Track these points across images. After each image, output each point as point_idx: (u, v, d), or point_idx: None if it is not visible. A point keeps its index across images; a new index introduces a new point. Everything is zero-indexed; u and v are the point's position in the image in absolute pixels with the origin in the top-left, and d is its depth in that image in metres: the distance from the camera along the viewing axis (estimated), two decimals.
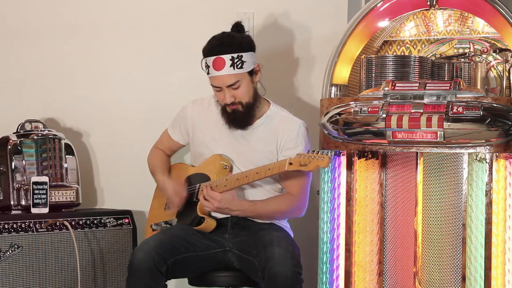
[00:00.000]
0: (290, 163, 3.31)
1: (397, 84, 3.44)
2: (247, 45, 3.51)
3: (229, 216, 3.55)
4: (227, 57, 3.45)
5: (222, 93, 3.50)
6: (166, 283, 3.42)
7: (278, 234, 3.44)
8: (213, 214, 3.57)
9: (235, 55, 3.45)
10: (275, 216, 3.57)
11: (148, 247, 3.37)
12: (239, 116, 3.53)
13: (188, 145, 3.82)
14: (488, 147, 3.27)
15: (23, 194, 3.78)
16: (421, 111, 3.34)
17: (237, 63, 3.45)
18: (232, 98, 3.49)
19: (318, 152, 3.29)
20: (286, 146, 3.55)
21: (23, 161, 3.81)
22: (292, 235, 3.59)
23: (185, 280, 3.59)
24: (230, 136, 3.58)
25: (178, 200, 3.59)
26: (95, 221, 3.82)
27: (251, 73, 3.52)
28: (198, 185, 3.59)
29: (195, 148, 3.69)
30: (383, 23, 3.72)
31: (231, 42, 3.48)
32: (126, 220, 3.91)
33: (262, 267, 3.30)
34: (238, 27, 3.57)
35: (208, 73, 3.50)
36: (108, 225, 3.86)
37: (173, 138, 3.78)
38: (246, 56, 3.47)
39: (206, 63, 3.50)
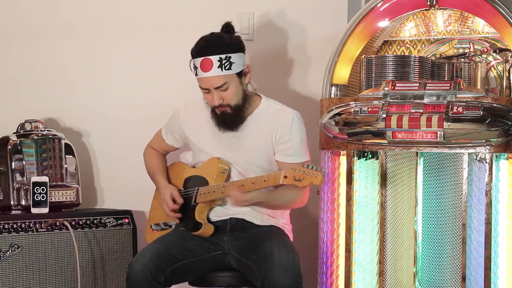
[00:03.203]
0: (285, 177, 3.28)
1: (397, 84, 3.44)
2: (236, 46, 3.44)
3: (227, 218, 3.54)
4: (214, 58, 3.39)
5: (210, 95, 3.44)
6: None
7: (278, 241, 3.40)
8: (211, 217, 3.56)
9: (223, 56, 3.39)
10: (284, 207, 3.55)
11: (144, 258, 3.34)
12: (228, 118, 3.47)
13: (183, 146, 3.81)
14: (488, 147, 3.28)
15: (23, 194, 3.77)
16: (421, 111, 3.34)
17: (225, 64, 3.39)
18: (220, 100, 3.43)
19: (313, 167, 3.24)
20: (281, 140, 3.50)
21: (23, 161, 3.81)
22: (291, 236, 3.58)
23: None
24: (224, 137, 3.54)
25: (171, 208, 3.58)
26: (95, 221, 3.82)
27: (240, 74, 3.45)
28: (196, 188, 3.58)
29: (193, 151, 3.69)
30: (383, 23, 3.73)
31: (219, 42, 3.41)
32: (126, 220, 3.91)
33: (262, 276, 3.27)
34: (228, 27, 3.50)
35: (196, 75, 3.45)
36: (108, 225, 3.85)
37: (167, 142, 3.76)
38: (234, 57, 3.41)
39: (194, 64, 3.44)
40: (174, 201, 3.57)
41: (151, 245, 3.48)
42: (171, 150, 3.82)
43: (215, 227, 3.53)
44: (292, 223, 3.66)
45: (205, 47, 3.41)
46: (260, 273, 3.28)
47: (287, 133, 3.49)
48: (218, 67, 3.39)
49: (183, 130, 3.67)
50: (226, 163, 3.54)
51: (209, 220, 3.54)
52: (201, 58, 3.41)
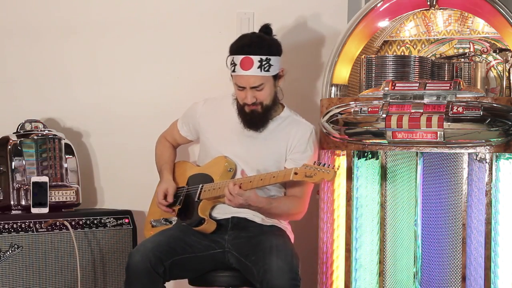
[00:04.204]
0: (296, 173, 3.29)
1: (397, 84, 3.44)
2: (276, 49, 3.51)
3: (229, 217, 3.54)
4: (256, 58, 3.43)
5: (244, 92, 3.48)
6: (165, 284, 3.42)
7: (277, 242, 3.40)
8: (214, 215, 3.56)
9: (264, 57, 3.44)
10: (281, 217, 3.56)
11: (145, 248, 3.36)
12: (257, 117, 3.51)
13: (194, 141, 3.81)
14: (488, 147, 3.28)
15: (23, 194, 3.77)
16: (421, 111, 3.34)
17: (265, 65, 3.44)
18: (253, 98, 3.47)
19: (324, 164, 3.26)
20: (295, 150, 3.53)
21: (23, 161, 3.81)
22: (292, 237, 3.59)
23: (185, 280, 3.59)
24: (241, 137, 3.56)
25: (159, 201, 3.61)
26: (95, 221, 3.82)
27: (275, 77, 3.51)
28: (201, 185, 3.58)
29: (203, 147, 3.69)
30: (383, 23, 3.73)
31: (262, 43, 3.46)
32: (126, 220, 3.91)
33: (260, 278, 3.28)
34: (267, 29, 3.56)
35: (233, 71, 3.48)
36: (108, 225, 3.85)
37: (181, 133, 3.78)
38: (273, 60, 3.46)
39: (233, 61, 3.47)
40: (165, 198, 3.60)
41: (152, 237, 3.50)
42: (184, 142, 3.83)
43: (217, 224, 3.53)
44: (292, 223, 3.66)
45: (248, 46, 3.46)
46: (259, 275, 3.28)
47: (303, 144, 3.53)
48: (258, 68, 3.44)
49: (199, 124, 3.69)
50: (233, 162, 3.55)
51: (211, 218, 3.55)
52: (242, 56, 3.45)
